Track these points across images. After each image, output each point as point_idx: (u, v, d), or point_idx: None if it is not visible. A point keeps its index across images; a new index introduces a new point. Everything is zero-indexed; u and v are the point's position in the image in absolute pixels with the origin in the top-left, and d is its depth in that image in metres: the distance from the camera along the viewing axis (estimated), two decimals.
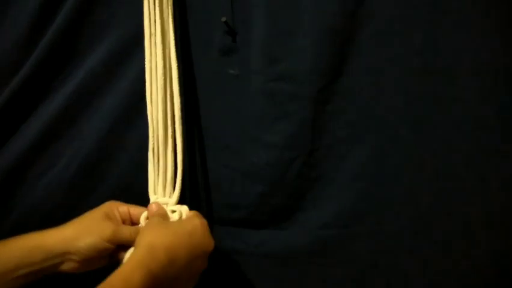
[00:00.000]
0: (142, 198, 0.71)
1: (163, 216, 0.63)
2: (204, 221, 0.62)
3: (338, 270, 0.74)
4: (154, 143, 0.68)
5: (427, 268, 0.72)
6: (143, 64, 0.71)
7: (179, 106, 0.68)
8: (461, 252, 0.71)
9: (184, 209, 0.66)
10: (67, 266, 0.58)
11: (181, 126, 0.68)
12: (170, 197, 0.67)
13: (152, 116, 0.68)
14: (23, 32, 0.72)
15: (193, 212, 0.64)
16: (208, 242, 0.61)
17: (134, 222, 0.65)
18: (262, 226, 0.75)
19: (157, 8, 0.67)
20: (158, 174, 0.68)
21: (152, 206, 0.64)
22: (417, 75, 0.70)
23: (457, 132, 0.70)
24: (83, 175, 0.75)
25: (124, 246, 0.62)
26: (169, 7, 0.68)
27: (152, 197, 0.67)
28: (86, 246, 0.58)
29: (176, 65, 0.69)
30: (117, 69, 0.73)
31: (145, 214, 0.65)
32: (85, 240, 0.58)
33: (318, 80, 0.70)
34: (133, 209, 0.64)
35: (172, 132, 0.68)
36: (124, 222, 0.64)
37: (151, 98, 0.68)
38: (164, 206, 0.66)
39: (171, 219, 0.64)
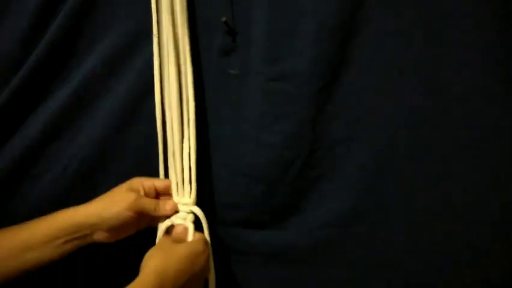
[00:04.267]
0: None
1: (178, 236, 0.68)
2: (207, 249, 0.66)
3: (338, 270, 0.74)
4: (164, 145, 0.70)
5: (427, 268, 0.72)
6: (144, 64, 0.71)
7: (194, 109, 0.70)
8: (462, 252, 0.71)
9: (197, 210, 0.70)
10: (98, 236, 0.66)
11: (194, 129, 0.70)
12: (189, 197, 0.70)
13: (162, 119, 0.70)
14: (23, 32, 0.72)
15: (199, 235, 0.68)
16: (206, 268, 0.66)
17: (159, 194, 0.71)
18: (262, 226, 0.75)
19: (165, 10, 0.68)
20: (173, 176, 0.71)
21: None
22: (417, 75, 0.70)
23: (457, 132, 0.70)
24: (83, 175, 0.75)
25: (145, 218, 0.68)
26: (184, 9, 0.68)
27: (176, 198, 0.70)
28: (112, 215, 0.64)
29: (191, 69, 0.70)
30: (117, 69, 0.73)
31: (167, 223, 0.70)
32: (110, 210, 0.65)
33: (318, 80, 0.70)
34: (158, 183, 0.69)
35: (188, 134, 0.70)
36: (148, 195, 0.69)
37: (161, 101, 0.70)
38: (186, 206, 0.69)
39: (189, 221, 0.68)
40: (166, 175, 0.72)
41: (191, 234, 0.68)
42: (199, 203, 0.71)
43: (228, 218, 0.75)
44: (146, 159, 0.73)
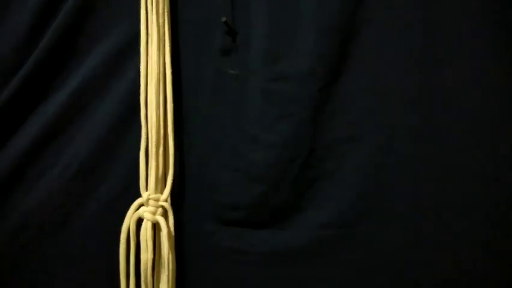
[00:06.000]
0: None
1: None
2: None
3: (338, 270, 0.74)
4: (146, 144, 0.72)
5: (427, 268, 0.72)
6: None
7: (172, 110, 0.72)
8: (462, 252, 0.71)
9: (166, 205, 0.72)
10: None
11: (173, 129, 0.72)
12: (161, 193, 0.72)
13: (146, 118, 0.71)
14: (23, 32, 0.72)
15: None
16: None
17: None
18: (262, 226, 0.75)
19: (154, 12, 0.69)
20: (150, 173, 0.72)
21: None
22: (417, 75, 0.70)
23: (457, 132, 0.70)
24: (83, 175, 0.75)
25: None
26: (166, 12, 0.70)
27: (144, 194, 0.71)
28: None
29: (171, 70, 0.71)
30: (117, 69, 0.73)
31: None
32: None
33: (318, 80, 0.70)
34: None
35: (163, 133, 0.72)
36: None
37: (145, 101, 0.71)
38: (156, 202, 0.71)
39: (158, 215, 0.71)
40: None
41: (163, 228, 0.70)
42: (199, 202, 0.72)
43: (228, 218, 0.75)
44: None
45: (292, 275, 0.75)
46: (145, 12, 0.69)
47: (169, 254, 0.71)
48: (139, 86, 0.72)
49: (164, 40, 0.71)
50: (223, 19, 0.70)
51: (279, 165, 0.73)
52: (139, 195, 0.72)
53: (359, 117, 0.71)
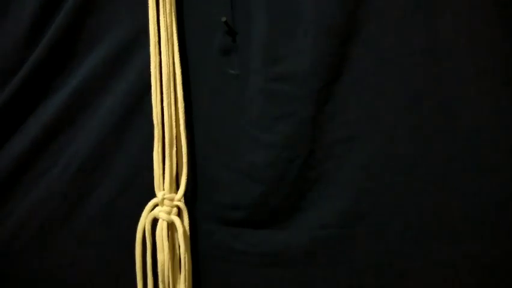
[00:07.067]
0: (141, 198, 0.72)
1: None
2: None
3: (337, 270, 0.74)
4: (159, 144, 0.72)
5: (427, 268, 0.72)
6: (143, 64, 0.72)
7: (183, 110, 0.72)
8: (462, 252, 0.71)
9: (181, 204, 0.72)
10: None
11: (185, 129, 0.72)
12: (175, 192, 0.72)
13: (161, 119, 0.71)
14: (23, 32, 0.72)
15: None
16: None
17: None
18: (262, 226, 0.75)
19: (161, 12, 0.69)
20: (163, 173, 0.72)
21: None
22: (417, 75, 0.70)
23: (457, 132, 0.70)
24: (83, 175, 0.75)
25: None
26: (173, 12, 0.70)
27: (159, 193, 0.71)
28: None
29: (180, 70, 0.71)
30: (117, 69, 0.73)
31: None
32: None
33: (318, 80, 0.70)
34: None
35: (176, 133, 0.72)
36: None
37: (157, 101, 0.71)
38: (170, 201, 0.71)
39: (173, 215, 0.72)
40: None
41: (179, 227, 0.70)
42: (199, 202, 0.72)
43: (228, 218, 0.75)
44: (146, 158, 0.73)
45: (292, 275, 0.75)
46: (153, 12, 0.70)
47: (185, 254, 0.71)
48: (140, 86, 0.73)
49: (173, 40, 0.71)
50: (223, 19, 0.70)
51: (279, 165, 0.73)
52: (139, 195, 0.72)
53: (359, 117, 0.71)
